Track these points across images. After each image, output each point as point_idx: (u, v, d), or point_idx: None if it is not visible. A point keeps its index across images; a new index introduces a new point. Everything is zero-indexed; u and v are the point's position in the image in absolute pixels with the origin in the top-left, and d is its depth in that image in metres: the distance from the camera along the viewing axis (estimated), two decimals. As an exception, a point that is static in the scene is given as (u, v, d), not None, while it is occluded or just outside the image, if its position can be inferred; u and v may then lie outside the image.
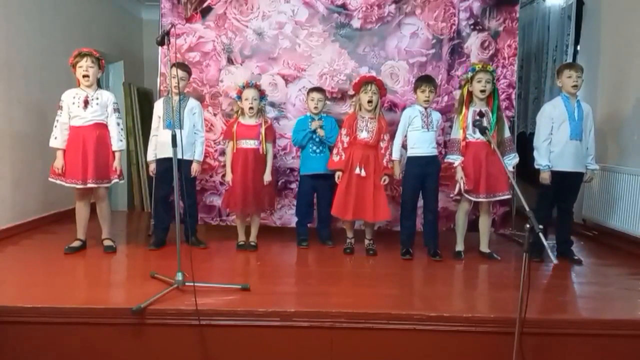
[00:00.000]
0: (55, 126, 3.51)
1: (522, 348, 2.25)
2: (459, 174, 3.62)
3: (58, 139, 3.51)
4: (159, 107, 3.75)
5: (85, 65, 3.49)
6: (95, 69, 3.54)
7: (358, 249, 3.87)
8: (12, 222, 4.11)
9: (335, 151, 3.77)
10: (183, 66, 3.80)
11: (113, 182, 3.62)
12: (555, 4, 5.13)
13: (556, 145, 3.61)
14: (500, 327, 2.50)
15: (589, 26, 4.76)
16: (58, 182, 3.51)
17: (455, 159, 3.65)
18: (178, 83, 3.55)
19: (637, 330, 2.60)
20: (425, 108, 3.70)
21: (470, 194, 3.62)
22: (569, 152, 3.59)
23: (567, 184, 3.66)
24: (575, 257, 3.73)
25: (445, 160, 3.72)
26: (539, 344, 2.54)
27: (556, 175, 3.61)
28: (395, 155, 3.71)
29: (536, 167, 3.66)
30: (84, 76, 3.50)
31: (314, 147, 3.90)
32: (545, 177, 3.62)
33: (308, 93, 3.96)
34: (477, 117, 3.55)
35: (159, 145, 3.70)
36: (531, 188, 4.61)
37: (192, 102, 3.84)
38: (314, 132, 3.86)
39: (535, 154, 3.68)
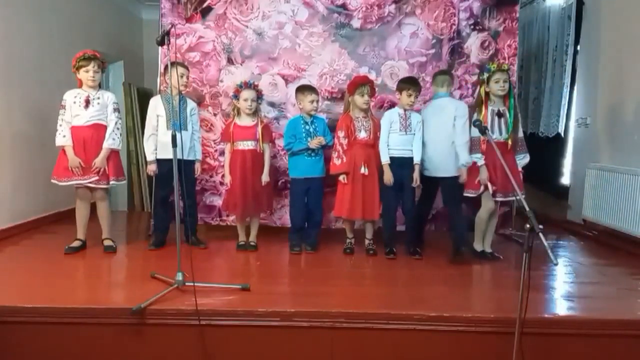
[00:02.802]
0: (61, 125, 3.49)
1: (522, 348, 2.25)
2: (484, 174, 3.57)
3: (66, 137, 3.49)
4: (158, 107, 3.73)
5: (92, 70, 3.48)
6: (99, 72, 3.56)
7: (358, 249, 3.86)
8: (12, 222, 4.11)
9: (335, 155, 3.75)
10: (181, 64, 3.81)
11: (112, 182, 3.61)
12: (555, 4, 5.13)
13: None
14: (500, 327, 2.50)
15: (589, 26, 4.76)
16: (61, 183, 3.51)
17: (479, 159, 3.60)
18: (178, 81, 3.53)
19: (637, 330, 2.60)
20: (405, 111, 3.71)
21: (496, 194, 3.58)
22: None
23: None
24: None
25: None
26: (539, 344, 2.54)
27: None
28: (385, 159, 3.68)
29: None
30: (90, 80, 3.49)
31: (309, 151, 3.79)
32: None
33: (304, 93, 3.81)
34: (497, 118, 3.56)
35: (161, 146, 3.69)
36: (532, 188, 4.62)
37: (192, 103, 3.85)
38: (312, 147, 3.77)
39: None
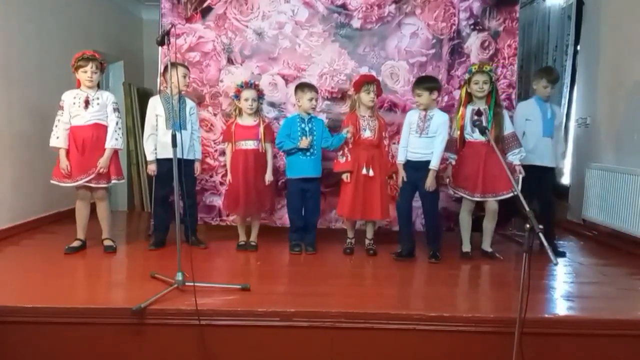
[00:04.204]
0: (56, 126, 3.51)
1: (522, 348, 2.25)
2: (447, 173, 3.71)
3: (60, 138, 3.50)
4: (158, 106, 3.74)
5: (90, 71, 3.49)
6: (98, 73, 3.56)
7: (357, 249, 3.86)
8: (12, 222, 4.11)
9: (340, 152, 3.74)
10: (182, 64, 3.81)
11: (112, 182, 3.63)
12: (555, 4, 5.14)
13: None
14: (500, 327, 2.50)
15: (589, 26, 4.76)
16: (61, 184, 3.52)
17: (449, 158, 3.68)
18: (178, 82, 3.53)
19: (637, 330, 2.60)
20: (426, 111, 3.61)
21: (466, 193, 3.63)
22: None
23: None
24: (560, 250, 3.90)
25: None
26: (539, 344, 2.54)
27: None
28: (400, 158, 3.69)
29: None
30: (87, 80, 3.50)
31: (304, 150, 3.71)
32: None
33: (303, 91, 3.74)
34: (476, 116, 3.57)
35: (161, 146, 3.69)
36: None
37: (190, 103, 3.85)
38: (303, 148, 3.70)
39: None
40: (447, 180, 3.73)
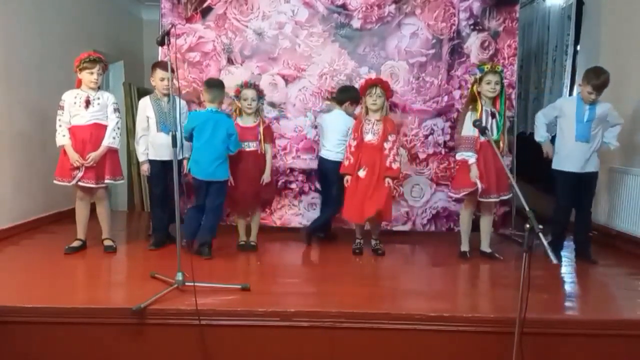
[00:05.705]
0: (60, 125, 3.51)
1: (522, 348, 2.25)
2: (474, 172, 3.52)
3: (66, 136, 3.50)
4: (148, 108, 3.73)
5: (96, 73, 3.49)
6: (102, 75, 3.58)
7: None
8: (13, 222, 4.11)
9: (344, 156, 3.77)
10: (164, 65, 3.64)
11: (107, 181, 3.61)
12: (555, 4, 5.14)
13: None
14: (500, 327, 2.50)
15: (589, 26, 4.76)
16: (64, 183, 3.51)
17: (471, 156, 3.54)
18: (178, 84, 3.53)
19: (637, 330, 2.60)
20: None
21: (481, 195, 3.58)
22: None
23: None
24: (592, 258, 3.72)
25: (458, 158, 3.65)
26: (539, 344, 2.54)
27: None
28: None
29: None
30: (92, 82, 3.50)
31: None
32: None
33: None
34: (490, 118, 3.55)
35: (152, 147, 3.71)
36: (529, 187, 4.61)
37: (181, 103, 3.82)
38: None
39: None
40: (476, 180, 3.52)
